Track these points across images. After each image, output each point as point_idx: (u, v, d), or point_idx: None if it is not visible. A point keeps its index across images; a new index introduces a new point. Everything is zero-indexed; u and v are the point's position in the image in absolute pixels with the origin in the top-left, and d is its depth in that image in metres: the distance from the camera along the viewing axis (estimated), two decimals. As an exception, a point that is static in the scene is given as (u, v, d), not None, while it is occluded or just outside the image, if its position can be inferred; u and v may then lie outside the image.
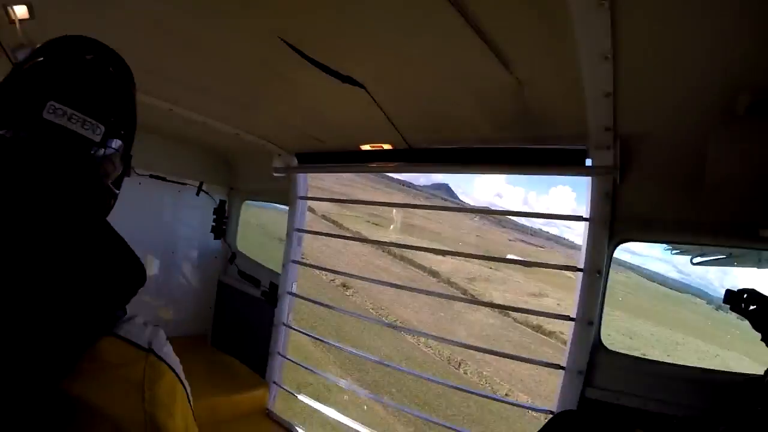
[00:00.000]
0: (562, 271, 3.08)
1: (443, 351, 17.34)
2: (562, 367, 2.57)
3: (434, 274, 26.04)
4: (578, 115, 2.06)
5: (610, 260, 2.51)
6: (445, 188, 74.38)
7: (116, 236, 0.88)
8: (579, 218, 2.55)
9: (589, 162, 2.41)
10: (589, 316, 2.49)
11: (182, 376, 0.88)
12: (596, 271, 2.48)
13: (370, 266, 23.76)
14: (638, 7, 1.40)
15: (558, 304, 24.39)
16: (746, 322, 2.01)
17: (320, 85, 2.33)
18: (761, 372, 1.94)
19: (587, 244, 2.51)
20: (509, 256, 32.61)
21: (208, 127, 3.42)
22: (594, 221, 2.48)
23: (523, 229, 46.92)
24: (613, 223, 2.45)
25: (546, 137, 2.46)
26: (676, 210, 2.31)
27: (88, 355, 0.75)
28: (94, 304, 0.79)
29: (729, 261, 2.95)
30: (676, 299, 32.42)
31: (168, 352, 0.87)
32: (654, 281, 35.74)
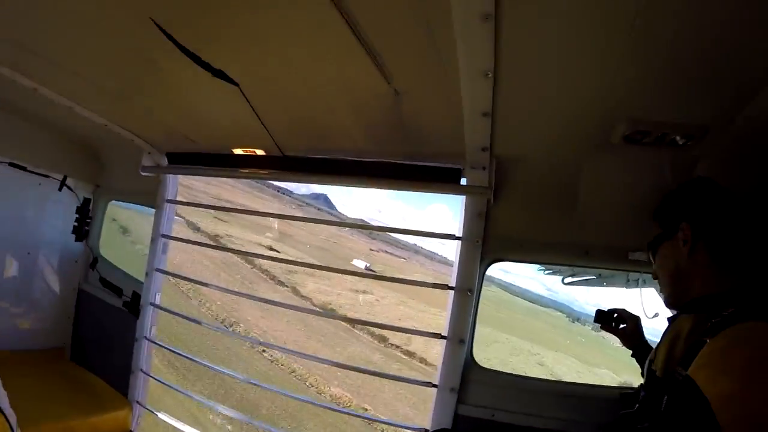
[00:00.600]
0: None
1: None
2: (434, 385, 2.53)
3: (250, 262, 27.00)
4: (455, 133, 2.02)
5: (483, 279, 2.54)
6: (324, 198, 74.91)
7: None
8: (451, 237, 2.55)
9: (464, 181, 2.41)
10: (461, 335, 2.48)
11: (4, 404, 0.78)
12: (468, 289, 2.48)
13: (188, 248, 23.92)
14: (524, 25, 1.36)
15: (377, 300, 26.39)
16: (597, 333, 2.13)
17: (193, 79, 2.10)
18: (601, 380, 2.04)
19: (459, 263, 2.51)
20: (354, 261, 33.74)
21: (75, 115, 2.97)
22: (466, 240, 2.48)
23: (393, 241, 48.57)
24: (485, 242, 2.46)
25: (422, 154, 2.42)
26: (549, 232, 2.38)
27: None
28: None
29: (598, 281, 3.16)
30: (535, 312, 36.07)
31: None
32: (518, 296, 39.38)
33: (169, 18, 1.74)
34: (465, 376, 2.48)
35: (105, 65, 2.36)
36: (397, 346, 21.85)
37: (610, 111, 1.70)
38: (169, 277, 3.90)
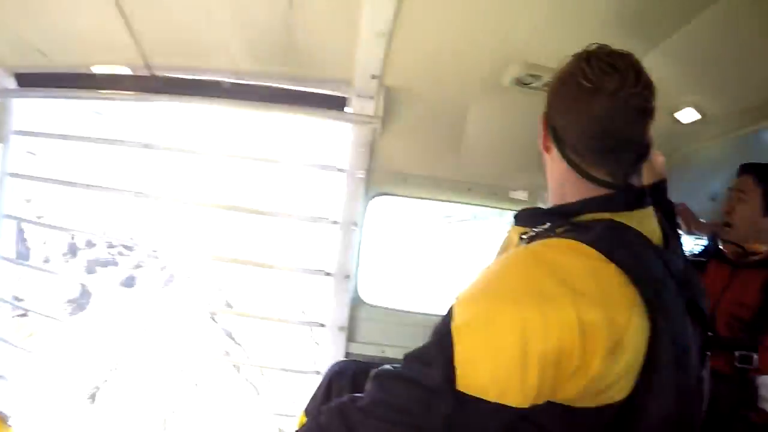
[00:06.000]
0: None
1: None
2: (322, 325, 2.46)
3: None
4: (346, 57, 1.92)
5: (366, 213, 2.48)
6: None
7: None
8: (335, 168, 2.45)
9: (350, 110, 2.28)
10: (347, 270, 2.42)
11: None
12: (352, 223, 2.41)
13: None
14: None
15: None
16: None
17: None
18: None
19: (345, 196, 2.41)
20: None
21: None
22: (351, 173, 2.39)
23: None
24: (370, 175, 2.39)
25: (308, 78, 2.23)
26: (434, 167, 2.40)
27: None
28: None
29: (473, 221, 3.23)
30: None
31: None
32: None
33: None
34: (353, 314, 2.45)
35: None
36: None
37: (502, 53, 1.72)
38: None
